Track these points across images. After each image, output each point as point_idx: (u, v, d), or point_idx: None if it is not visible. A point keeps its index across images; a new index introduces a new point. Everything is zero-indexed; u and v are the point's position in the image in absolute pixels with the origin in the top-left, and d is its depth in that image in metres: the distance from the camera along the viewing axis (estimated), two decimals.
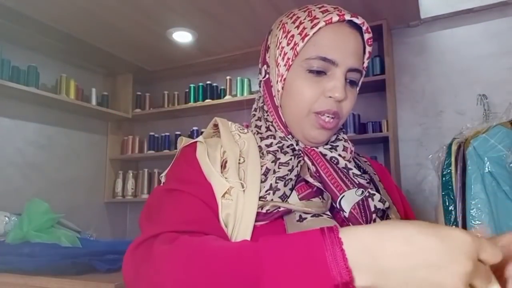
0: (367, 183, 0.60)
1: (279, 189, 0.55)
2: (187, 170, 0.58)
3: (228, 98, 2.98)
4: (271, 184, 0.56)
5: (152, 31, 2.59)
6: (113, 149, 3.31)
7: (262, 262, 0.37)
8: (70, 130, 2.99)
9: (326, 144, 0.63)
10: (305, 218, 0.53)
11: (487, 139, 1.66)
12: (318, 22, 0.57)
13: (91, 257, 1.13)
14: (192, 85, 3.13)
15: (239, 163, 0.59)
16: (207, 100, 3.05)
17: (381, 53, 2.56)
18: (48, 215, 1.48)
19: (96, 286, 0.94)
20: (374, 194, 0.56)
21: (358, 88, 0.64)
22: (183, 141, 0.64)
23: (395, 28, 2.66)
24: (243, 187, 0.55)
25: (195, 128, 3.10)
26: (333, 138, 0.65)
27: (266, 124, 0.64)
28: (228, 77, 3.04)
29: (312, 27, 0.57)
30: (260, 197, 0.55)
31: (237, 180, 0.55)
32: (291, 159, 0.59)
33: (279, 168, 0.58)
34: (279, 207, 0.53)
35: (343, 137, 0.66)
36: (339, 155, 0.62)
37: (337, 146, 0.63)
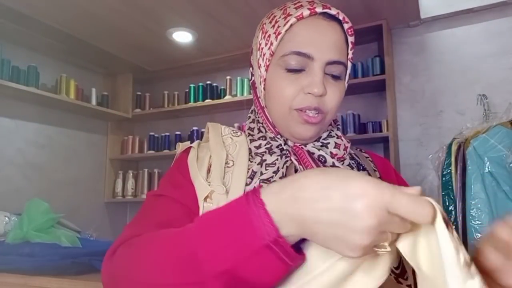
0: None
1: None
2: (176, 175, 0.60)
3: (228, 98, 2.98)
4: (254, 187, 0.55)
5: (152, 31, 2.59)
6: (113, 149, 3.31)
7: (197, 235, 0.40)
8: (70, 130, 2.99)
9: (317, 141, 0.62)
10: None
11: (487, 139, 1.66)
12: (290, 19, 0.57)
13: (91, 257, 1.13)
14: (192, 85, 3.13)
15: (228, 166, 0.59)
16: (207, 100, 3.05)
17: (381, 53, 2.56)
18: (48, 215, 1.48)
19: (96, 286, 0.94)
20: None
21: (346, 81, 0.62)
22: (180, 147, 0.65)
23: (395, 28, 2.66)
24: (225, 191, 0.55)
25: (195, 128, 3.10)
26: (324, 135, 0.63)
27: (257, 125, 0.64)
28: (228, 77, 3.04)
29: (284, 25, 0.57)
30: None
31: (219, 184, 0.56)
32: (277, 159, 0.59)
33: (266, 169, 0.57)
34: None
35: (336, 134, 0.63)
36: (331, 152, 0.60)
37: (328, 143, 0.61)
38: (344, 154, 0.62)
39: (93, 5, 2.24)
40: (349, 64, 0.61)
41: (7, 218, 1.58)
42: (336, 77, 0.58)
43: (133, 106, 3.31)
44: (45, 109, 2.79)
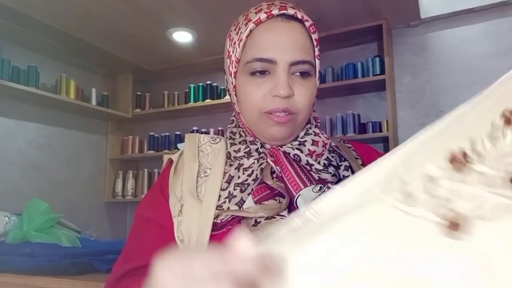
0: (332, 175, 0.58)
1: (235, 196, 0.56)
2: (154, 192, 0.63)
3: (228, 98, 2.97)
4: (229, 191, 0.57)
5: (152, 31, 2.59)
6: (113, 149, 3.31)
7: None
8: (70, 130, 2.99)
9: (295, 140, 0.62)
10: (259, 222, 0.53)
11: None
12: (249, 24, 0.58)
13: (91, 257, 1.13)
14: (192, 85, 3.13)
15: (205, 175, 0.61)
16: (207, 100, 3.05)
17: (381, 53, 2.56)
18: (48, 215, 1.48)
19: (96, 286, 0.94)
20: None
21: (317, 77, 0.61)
22: (165, 159, 0.67)
23: (395, 28, 2.66)
24: (199, 200, 0.57)
25: (195, 128, 3.10)
26: (302, 134, 0.62)
27: (238, 130, 0.65)
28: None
29: (245, 31, 0.58)
30: (217, 206, 0.55)
31: (188, 196, 0.57)
32: (254, 162, 0.59)
33: (243, 173, 0.58)
34: (233, 215, 0.54)
35: (313, 131, 0.63)
36: (308, 150, 0.60)
37: (305, 141, 0.61)
38: (323, 150, 0.62)
39: (93, 5, 2.24)
40: (317, 62, 0.60)
41: (7, 218, 1.58)
42: (304, 76, 0.58)
43: (133, 106, 3.31)
44: (45, 109, 2.79)
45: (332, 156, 0.62)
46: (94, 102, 3.04)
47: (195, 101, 3.09)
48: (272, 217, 0.53)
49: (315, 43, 0.60)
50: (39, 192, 2.61)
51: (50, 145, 2.83)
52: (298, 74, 0.58)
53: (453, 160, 0.32)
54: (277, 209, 0.54)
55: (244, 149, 0.61)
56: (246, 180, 0.57)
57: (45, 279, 1.01)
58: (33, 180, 2.68)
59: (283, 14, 0.57)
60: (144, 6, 2.25)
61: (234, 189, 0.56)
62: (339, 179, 0.59)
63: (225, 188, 0.57)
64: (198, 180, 0.60)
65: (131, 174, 3.26)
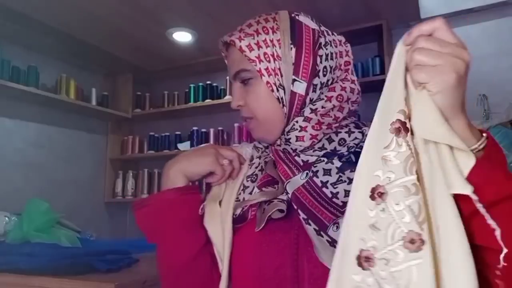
0: (318, 159, 0.61)
1: (248, 187, 0.66)
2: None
3: (228, 98, 2.97)
4: (243, 184, 0.67)
5: (152, 31, 2.59)
6: (113, 149, 3.31)
7: None
8: (70, 130, 2.99)
9: (283, 135, 0.64)
10: (265, 208, 0.61)
11: None
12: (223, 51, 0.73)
13: (91, 257, 1.13)
14: (192, 85, 3.13)
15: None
16: (207, 100, 3.05)
17: (381, 53, 2.56)
18: (48, 215, 1.48)
19: (96, 286, 0.94)
20: (318, 171, 0.60)
21: (263, 79, 0.62)
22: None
23: (395, 28, 2.66)
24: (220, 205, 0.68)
25: (195, 128, 3.10)
26: (287, 129, 0.63)
27: None
28: (228, 77, 3.03)
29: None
30: (236, 199, 0.66)
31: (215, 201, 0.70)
32: (260, 157, 0.70)
33: (254, 168, 0.69)
34: (244, 206, 0.63)
35: (299, 126, 0.62)
36: (296, 145, 0.62)
37: (290, 138, 0.63)
38: (313, 142, 0.62)
39: (93, 5, 2.24)
40: (257, 63, 0.62)
41: (7, 218, 1.58)
42: (245, 82, 0.66)
43: (133, 106, 3.31)
44: (45, 109, 2.79)
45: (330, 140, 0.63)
46: (94, 102, 3.04)
47: (195, 101, 3.09)
48: (271, 200, 0.61)
49: (246, 50, 0.63)
50: (39, 192, 2.61)
51: (50, 145, 2.83)
52: (241, 83, 0.67)
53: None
54: (274, 194, 0.62)
55: (258, 151, 0.72)
56: (254, 172, 0.68)
57: (45, 279, 1.01)
58: (33, 180, 2.68)
59: (225, 42, 0.69)
60: (144, 6, 2.25)
61: (246, 181, 0.67)
62: (333, 153, 0.62)
63: (241, 183, 0.68)
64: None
65: (131, 174, 3.26)
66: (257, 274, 0.59)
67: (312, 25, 0.65)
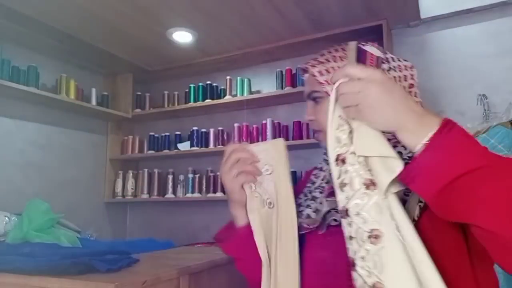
0: None
1: (317, 197, 0.78)
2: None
3: (228, 98, 2.97)
4: (312, 195, 0.80)
5: (152, 31, 2.59)
6: (113, 149, 3.31)
7: None
8: (70, 130, 2.99)
9: None
10: (329, 211, 0.75)
11: (487, 139, 1.66)
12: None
13: (91, 257, 1.13)
14: (192, 85, 3.13)
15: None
16: (207, 100, 3.04)
17: None
18: (48, 215, 1.48)
19: (96, 286, 0.94)
20: None
21: (330, 97, 0.68)
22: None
23: (395, 28, 2.66)
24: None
25: (195, 128, 3.10)
26: None
27: None
28: (228, 77, 3.04)
29: None
30: (298, 203, 0.80)
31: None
32: (325, 170, 0.81)
33: (321, 181, 0.81)
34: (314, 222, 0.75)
35: None
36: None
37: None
38: None
39: (93, 5, 2.24)
40: (325, 85, 0.75)
41: (7, 218, 1.58)
42: (316, 99, 0.79)
43: (133, 106, 3.31)
44: (45, 109, 2.79)
45: None
46: (94, 102, 3.04)
47: (195, 101, 3.09)
48: (334, 208, 0.72)
49: (316, 75, 0.76)
50: (39, 192, 2.61)
51: (50, 145, 2.83)
52: (312, 101, 0.80)
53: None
54: (335, 203, 0.69)
55: (326, 163, 0.82)
56: (321, 183, 0.80)
57: (45, 279, 1.01)
58: (33, 180, 2.68)
59: (302, 68, 0.82)
60: (144, 6, 2.25)
61: (315, 191, 0.79)
62: None
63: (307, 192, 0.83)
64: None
65: (131, 174, 3.26)
66: (319, 268, 0.72)
67: (377, 53, 0.74)
